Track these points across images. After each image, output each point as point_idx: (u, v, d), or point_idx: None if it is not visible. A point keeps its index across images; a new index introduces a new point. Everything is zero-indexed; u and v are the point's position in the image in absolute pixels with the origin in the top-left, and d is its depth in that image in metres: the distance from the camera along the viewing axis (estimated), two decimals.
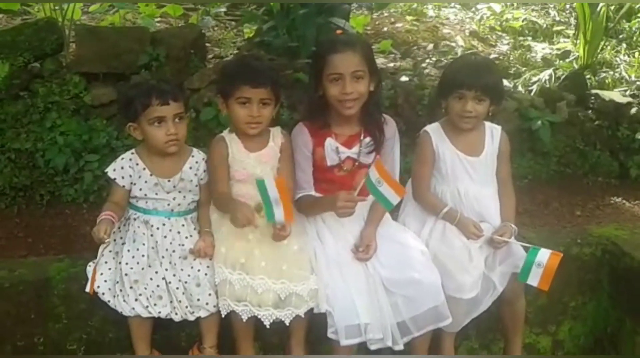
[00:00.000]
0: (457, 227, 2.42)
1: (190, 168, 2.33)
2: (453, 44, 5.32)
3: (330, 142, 2.35)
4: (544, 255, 2.27)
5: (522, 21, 5.96)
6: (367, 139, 2.38)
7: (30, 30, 3.29)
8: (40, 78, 3.30)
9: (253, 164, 2.32)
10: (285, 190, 2.11)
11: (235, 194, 2.33)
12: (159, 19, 5.04)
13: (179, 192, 2.32)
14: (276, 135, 2.39)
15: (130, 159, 2.29)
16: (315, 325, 2.33)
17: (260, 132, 2.33)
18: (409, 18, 5.87)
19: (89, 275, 2.25)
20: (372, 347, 2.28)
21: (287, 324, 2.24)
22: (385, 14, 5.95)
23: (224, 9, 5.11)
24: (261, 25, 4.28)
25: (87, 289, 2.21)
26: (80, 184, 3.23)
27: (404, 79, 4.03)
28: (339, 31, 2.53)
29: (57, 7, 3.79)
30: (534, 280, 2.28)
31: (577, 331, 2.86)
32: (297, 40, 4.02)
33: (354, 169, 2.39)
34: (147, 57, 3.33)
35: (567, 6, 6.14)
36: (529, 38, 5.79)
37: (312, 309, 2.29)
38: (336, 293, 2.27)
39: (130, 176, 2.27)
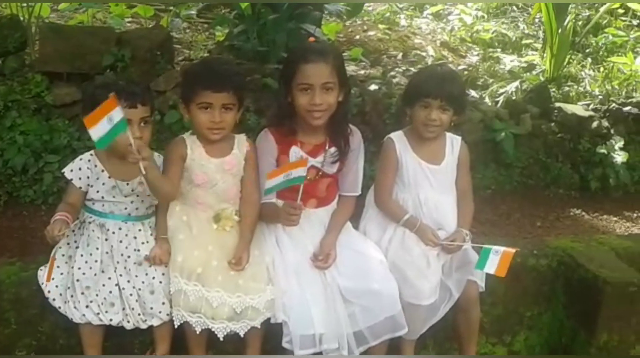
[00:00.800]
0: (416, 234, 2.43)
1: None
2: (424, 54, 5.34)
3: (295, 150, 2.33)
4: (499, 248, 2.31)
5: (492, 33, 6.01)
6: (332, 149, 2.37)
7: None
8: (2, 76, 3.21)
9: (214, 170, 2.28)
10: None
11: (193, 201, 2.29)
12: (129, 20, 4.96)
13: (137, 196, 2.27)
14: (241, 143, 2.35)
15: (89, 160, 2.24)
16: (272, 334, 2.30)
17: (223, 137, 2.29)
18: (381, 27, 5.88)
19: (40, 280, 2.20)
20: (327, 357, 2.26)
21: (242, 336, 2.21)
22: (358, 22, 5.95)
23: (194, 12, 5.04)
24: (232, 29, 4.24)
25: (44, 279, 2.16)
26: (40, 185, 3.14)
27: (373, 87, 4.02)
28: (311, 39, 2.51)
29: (24, 5, 3.70)
30: (490, 267, 2.31)
31: (533, 341, 2.89)
32: (267, 45, 3.99)
33: (317, 178, 2.37)
34: (112, 58, 3.26)
35: (536, 20, 6.21)
36: (499, 50, 5.84)
37: (269, 318, 2.26)
38: (292, 302, 2.25)
39: (88, 177, 2.22)
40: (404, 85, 4.33)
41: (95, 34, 3.33)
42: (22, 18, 3.51)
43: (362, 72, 4.59)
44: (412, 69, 4.65)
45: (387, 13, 6.30)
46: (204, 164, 2.26)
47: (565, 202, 3.99)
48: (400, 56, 5.10)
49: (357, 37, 5.54)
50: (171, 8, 5.19)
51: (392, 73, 4.56)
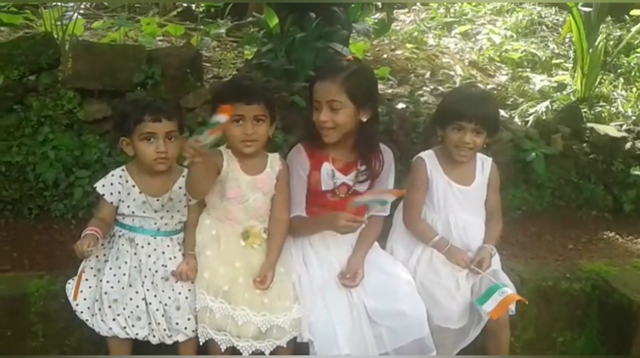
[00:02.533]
0: (445, 256, 2.40)
1: (180, 188, 2.30)
2: (452, 73, 5.32)
3: (326, 167, 2.33)
4: (506, 290, 2.30)
5: (522, 53, 5.97)
6: (364, 168, 2.36)
7: (28, 44, 3.27)
8: (35, 92, 3.26)
9: (247, 186, 2.29)
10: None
11: (223, 216, 2.29)
12: (160, 38, 5.06)
13: (167, 211, 2.30)
14: (274, 162, 2.37)
15: (121, 176, 2.27)
16: (299, 352, 2.28)
17: (257, 153, 2.31)
18: (408, 46, 5.89)
19: (68, 293, 2.22)
20: None
21: (267, 354, 2.19)
22: (386, 41, 5.97)
23: (224, 31, 5.13)
24: (260, 48, 4.28)
25: (71, 297, 2.17)
26: (70, 199, 3.18)
27: (400, 105, 4.02)
28: (349, 57, 2.52)
29: (58, 23, 3.80)
30: (490, 306, 2.28)
31: None
32: (295, 63, 4.02)
33: (348, 196, 2.36)
34: (143, 75, 3.31)
35: (567, 39, 6.16)
36: (528, 69, 5.80)
37: (295, 338, 2.24)
38: (318, 321, 2.23)
39: (119, 192, 2.25)
40: (431, 104, 4.34)
41: (126, 52, 3.39)
42: (56, 36, 3.59)
43: (390, 90, 4.59)
44: (440, 87, 4.64)
45: (415, 32, 6.32)
46: (238, 178, 2.28)
47: (598, 224, 3.90)
48: (428, 75, 5.10)
49: (385, 55, 5.56)
50: (201, 27, 5.29)
51: (420, 92, 4.55)
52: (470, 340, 2.44)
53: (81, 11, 4.98)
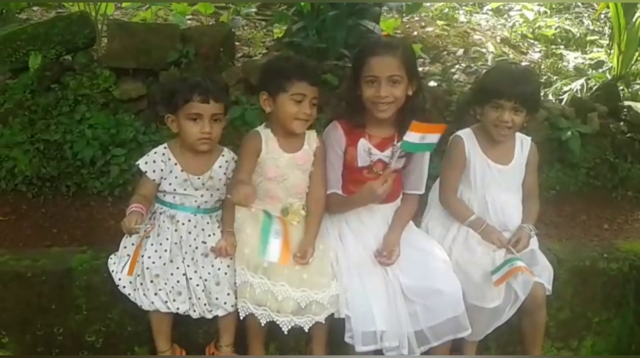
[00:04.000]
0: (481, 236, 2.39)
1: (220, 167, 2.35)
2: (484, 50, 5.25)
3: (363, 143, 2.34)
4: (517, 262, 2.31)
5: (555, 29, 5.86)
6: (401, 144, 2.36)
7: (64, 23, 3.32)
8: (72, 71, 3.33)
9: (286, 165, 2.31)
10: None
11: (263, 194, 2.32)
12: (190, 17, 5.07)
13: (207, 189, 2.34)
14: (311, 139, 2.38)
15: (163, 154, 2.31)
16: (335, 328, 2.31)
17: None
18: (439, 23, 5.81)
19: (111, 268, 2.27)
20: (388, 354, 2.25)
21: (306, 330, 2.23)
22: (416, 18, 5.90)
23: (254, 9, 5.11)
24: (291, 26, 4.27)
25: (126, 272, 2.21)
26: (107, 177, 3.25)
27: (432, 83, 3.98)
28: (384, 33, 2.51)
29: (90, 2, 3.85)
30: (497, 276, 2.31)
31: (600, 347, 2.80)
32: (326, 41, 4.00)
33: (384, 172, 2.35)
34: (177, 54, 3.34)
35: (602, 16, 6.01)
36: (562, 47, 5.69)
37: (332, 313, 2.28)
38: (354, 298, 2.26)
39: (162, 170, 2.29)
40: (463, 82, 4.29)
41: (160, 31, 3.42)
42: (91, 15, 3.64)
43: (421, 68, 4.55)
44: (472, 65, 4.58)
45: (446, 9, 6.22)
46: (277, 157, 2.30)
47: (634, 205, 3.83)
48: (460, 52, 5.03)
49: (415, 33, 5.50)
50: (231, 6, 5.29)
51: (452, 70, 4.50)
52: (505, 319, 2.44)
53: None
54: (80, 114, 3.25)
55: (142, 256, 2.23)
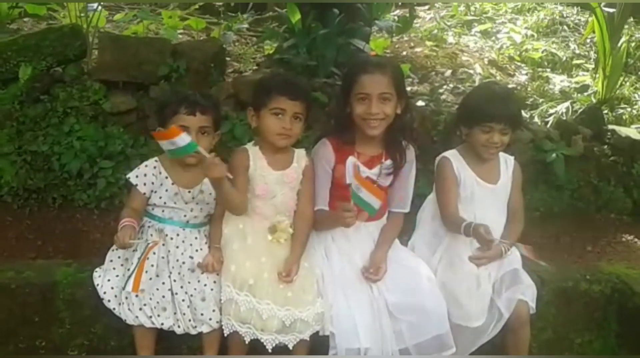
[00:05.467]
0: (474, 237, 2.36)
1: None
2: (471, 72, 5.32)
3: (351, 160, 2.36)
4: None
5: (542, 52, 5.95)
6: (388, 162, 2.41)
7: (55, 35, 3.33)
8: (62, 83, 3.33)
9: (274, 182, 2.34)
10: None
11: (251, 210, 2.34)
12: (181, 31, 5.10)
13: (197, 203, 2.35)
14: (300, 157, 2.42)
15: (155, 167, 2.32)
16: (317, 344, 2.32)
17: (285, 149, 2.37)
18: (428, 43, 5.89)
19: (96, 282, 2.27)
20: None
21: (290, 348, 2.24)
22: (405, 38, 5.98)
23: (246, 25, 5.16)
24: (282, 43, 4.32)
25: (130, 288, 2.17)
26: (93, 190, 3.24)
27: (420, 103, 4.04)
28: (373, 52, 2.56)
29: (82, 14, 3.86)
30: None
31: None
32: (317, 59, 4.05)
33: None
34: (168, 69, 3.36)
35: (588, 40, 6.13)
36: (548, 70, 5.78)
37: (317, 331, 2.29)
38: (339, 315, 2.28)
39: (152, 183, 2.30)
40: (451, 102, 4.35)
41: (152, 45, 3.44)
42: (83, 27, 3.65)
43: (410, 88, 4.61)
44: (460, 86, 4.65)
45: (435, 30, 6.31)
46: (265, 175, 2.33)
47: (617, 227, 3.89)
48: (448, 73, 5.10)
49: (404, 53, 5.57)
50: (222, 21, 5.33)
51: (440, 90, 4.57)
52: (489, 336, 2.47)
53: (103, 3, 5.04)
54: (69, 126, 3.25)
55: (129, 270, 2.23)
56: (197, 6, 5.52)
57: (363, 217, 2.28)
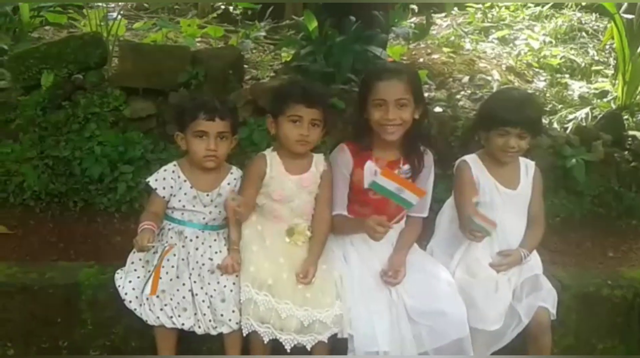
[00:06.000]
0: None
1: (229, 184, 2.41)
2: (489, 78, 5.34)
3: (370, 165, 2.41)
4: None
5: (560, 59, 5.95)
6: (406, 167, 2.43)
7: (77, 43, 3.42)
8: (83, 89, 3.41)
9: (291, 187, 2.38)
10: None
11: (269, 214, 2.38)
12: (199, 40, 5.19)
13: (215, 206, 2.40)
14: (319, 162, 2.46)
15: (173, 171, 2.37)
16: (337, 348, 2.34)
17: (303, 154, 2.41)
18: (445, 50, 5.92)
19: (117, 283, 2.32)
20: None
21: (309, 349, 2.26)
22: (422, 45, 6.01)
23: (263, 33, 5.23)
24: (299, 50, 4.37)
25: (148, 292, 2.23)
26: (114, 194, 3.31)
27: (437, 109, 4.06)
28: (390, 59, 2.60)
29: (102, 23, 3.96)
30: None
31: None
32: (333, 66, 4.09)
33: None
34: (187, 76, 3.43)
35: (607, 46, 6.12)
36: (567, 76, 5.78)
37: (335, 333, 2.31)
38: (358, 317, 2.30)
39: (172, 187, 2.35)
40: (469, 108, 4.37)
41: (171, 52, 3.53)
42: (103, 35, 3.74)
43: (427, 94, 4.63)
44: (478, 92, 4.66)
45: (452, 36, 6.34)
46: (283, 180, 2.37)
47: (638, 234, 3.88)
48: (466, 79, 5.12)
49: (421, 59, 5.60)
50: (240, 29, 5.42)
51: (458, 96, 4.59)
52: (507, 341, 2.48)
53: (123, 12, 5.15)
54: (89, 131, 3.33)
55: (149, 272, 2.28)
56: (215, 14, 5.60)
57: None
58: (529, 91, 5.15)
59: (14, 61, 3.41)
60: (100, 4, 4.36)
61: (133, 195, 3.32)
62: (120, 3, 5.40)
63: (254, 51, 5.17)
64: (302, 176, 2.40)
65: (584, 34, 6.57)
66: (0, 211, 3.29)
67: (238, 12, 6.30)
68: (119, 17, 4.32)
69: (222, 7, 6.20)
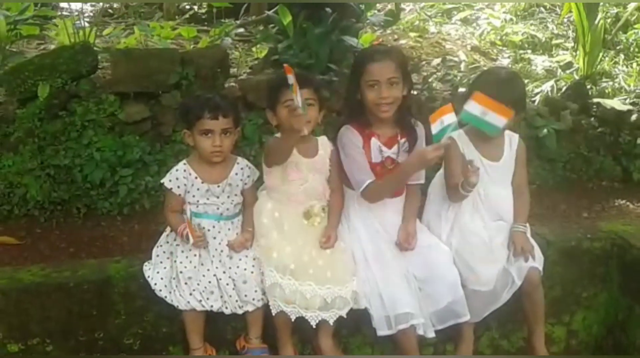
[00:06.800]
0: (466, 179, 2.61)
1: (236, 174, 2.65)
2: (456, 59, 5.69)
3: (374, 141, 2.67)
4: None
5: (522, 35, 6.34)
6: (404, 140, 2.71)
7: (68, 53, 3.61)
8: (78, 98, 3.59)
9: (306, 168, 2.63)
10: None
11: (285, 198, 2.64)
12: (171, 41, 5.36)
13: (227, 196, 2.63)
14: (325, 145, 2.71)
15: (184, 170, 2.60)
16: (344, 320, 2.60)
17: (309, 138, 2.64)
18: (412, 34, 6.25)
19: (146, 274, 2.58)
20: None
21: (331, 324, 2.54)
22: (388, 31, 6.32)
23: (242, 29, 5.46)
24: (275, 45, 4.62)
25: (192, 242, 2.48)
26: (115, 197, 3.52)
27: (413, 92, 4.37)
28: (376, 42, 2.82)
29: (73, 32, 4.13)
30: None
31: (590, 320, 3.18)
32: (311, 57, 4.36)
33: (393, 168, 2.70)
34: (178, 77, 3.66)
35: (565, 19, 6.54)
36: (529, 51, 6.17)
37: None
38: (385, 283, 2.58)
39: (185, 185, 2.59)
40: (440, 90, 4.70)
41: (161, 55, 3.74)
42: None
43: None
44: (450, 73, 5.00)
45: (417, 21, 6.67)
46: (297, 161, 2.61)
47: (609, 193, 4.27)
48: (436, 62, 5.45)
49: (390, 46, 5.91)
50: (208, 28, 5.62)
51: (430, 79, 4.91)
52: (503, 301, 2.78)
53: (89, 20, 5.29)
54: (87, 138, 3.52)
55: (175, 262, 2.55)
56: (187, 15, 5.80)
57: None
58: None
59: (9, 75, 3.57)
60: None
61: (134, 197, 3.55)
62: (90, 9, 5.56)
63: (230, 49, 5.39)
64: (314, 159, 2.65)
65: (542, 9, 6.98)
66: (6, 223, 3.47)
67: (203, 11, 6.50)
68: (86, 24, 4.48)
69: (188, 7, 6.40)
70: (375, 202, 2.69)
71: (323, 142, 2.72)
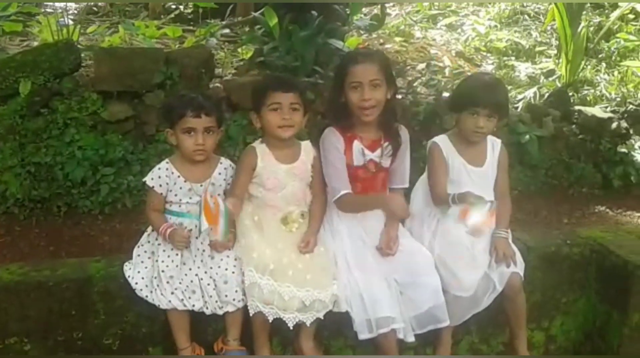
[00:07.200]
0: (460, 202, 2.66)
1: (220, 174, 2.65)
2: (441, 64, 5.75)
3: (357, 144, 2.68)
4: None
5: (506, 42, 6.43)
6: (387, 143, 2.73)
7: (51, 50, 3.59)
8: (60, 95, 3.58)
9: (284, 175, 2.62)
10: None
11: (263, 203, 2.64)
12: (156, 40, 5.36)
13: (210, 196, 2.63)
14: (308, 150, 2.71)
15: (167, 169, 2.60)
16: (327, 322, 2.61)
17: (291, 142, 2.65)
18: (397, 39, 6.30)
19: (127, 274, 2.56)
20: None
21: (308, 325, 2.55)
22: (374, 36, 6.37)
23: (227, 30, 5.47)
24: (261, 46, 4.64)
25: (206, 226, 2.43)
26: (96, 196, 3.51)
27: (397, 97, 4.41)
28: (361, 45, 2.86)
29: (56, 29, 4.11)
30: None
31: (569, 326, 3.22)
32: (296, 59, 4.38)
33: (376, 171, 2.72)
34: (162, 76, 3.66)
35: (549, 27, 6.64)
36: (513, 58, 6.26)
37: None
38: (365, 286, 2.58)
39: (167, 183, 2.58)
40: (425, 94, 4.75)
41: (145, 55, 3.73)
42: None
43: None
44: (434, 78, 5.05)
45: (402, 26, 6.74)
46: (274, 169, 2.61)
47: (589, 200, 4.36)
48: (421, 67, 5.51)
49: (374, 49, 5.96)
50: (193, 28, 5.63)
51: (415, 84, 4.96)
52: (484, 306, 2.80)
53: (73, 17, 5.28)
54: (69, 136, 3.51)
55: (157, 261, 2.54)
56: (173, 15, 5.79)
57: None
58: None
59: None
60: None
61: (115, 196, 3.55)
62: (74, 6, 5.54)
63: (216, 49, 5.40)
64: (293, 165, 2.65)
65: (526, 16, 7.10)
66: None
67: (189, 11, 6.50)
68: (70, 22, 4.46)
69: (174, 7, 6.40)
70: (346, 213, 2.71)
71: (306, 147, 2.73)
